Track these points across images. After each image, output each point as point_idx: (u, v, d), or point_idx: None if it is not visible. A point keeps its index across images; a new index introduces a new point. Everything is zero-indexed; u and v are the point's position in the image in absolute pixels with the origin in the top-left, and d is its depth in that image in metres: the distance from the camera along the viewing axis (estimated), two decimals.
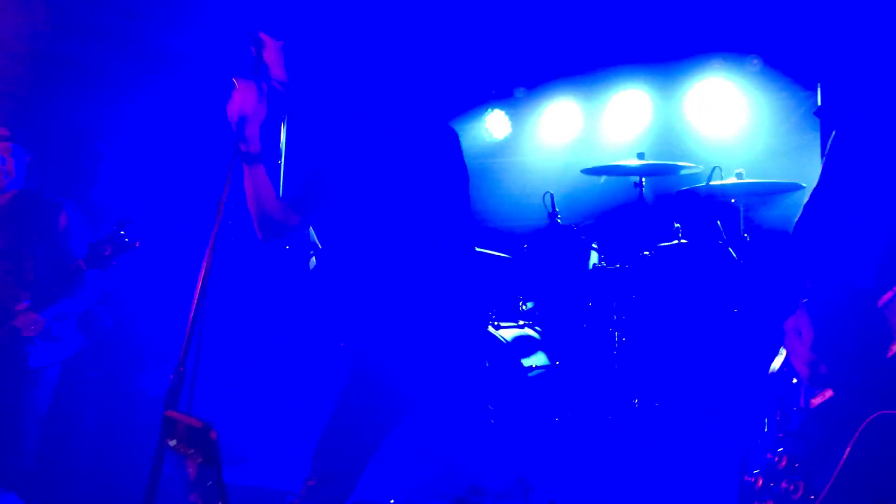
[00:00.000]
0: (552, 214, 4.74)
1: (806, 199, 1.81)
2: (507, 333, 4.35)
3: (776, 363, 1.88)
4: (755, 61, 5.51)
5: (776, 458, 1.72)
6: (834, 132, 1.63)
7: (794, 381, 1.79)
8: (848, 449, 1.54)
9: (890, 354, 1.53)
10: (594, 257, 4.62)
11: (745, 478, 1.81)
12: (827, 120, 1.71)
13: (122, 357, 4.72)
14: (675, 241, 4.45)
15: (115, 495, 4.24)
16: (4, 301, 3.65)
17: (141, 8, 5.26)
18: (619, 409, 4.19)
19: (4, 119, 4.14)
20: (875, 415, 1.51)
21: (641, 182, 4.74)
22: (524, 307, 4.71)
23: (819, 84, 4.42)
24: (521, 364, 4.20)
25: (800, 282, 1.75)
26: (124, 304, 4.88)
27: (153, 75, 5.50)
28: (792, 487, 1.64)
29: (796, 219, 1.84)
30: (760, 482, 1.74)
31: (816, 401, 1.71)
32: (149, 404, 4.43)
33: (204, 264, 1.82)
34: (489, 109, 6.54)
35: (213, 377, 5.37)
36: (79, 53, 5.23)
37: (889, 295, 1.55)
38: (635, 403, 4.18)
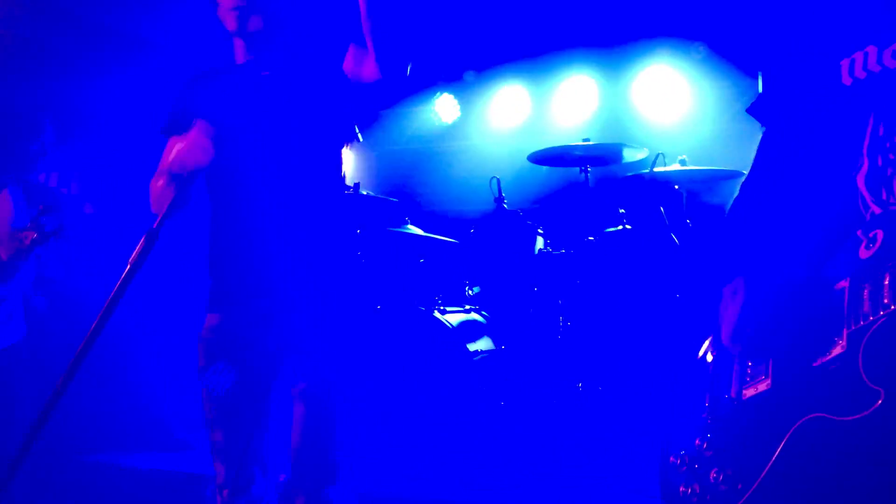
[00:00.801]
0: (499, 199, 4.76)
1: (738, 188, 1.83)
2: (453, 318, 4.36)
3: (705, 345, 1.90)
4: (700, 48, 5.57)
5: (703, 445, 1.75)
6: (764, 128, 1.65)
7: (726, 367, 1.81)
8: (779, 448, 1.55)
9: (828, 358, 1.52)
10: (540, 242, 4.64)
11: (670, 458, 1.83)
12: (759, 115, 1.73)
13: (59, 344, 4.63)
14: (620, 227, 4.50)
15: (49, 485, 4.17)
16: None
17: None
18: (563, 393, 4.24)
19: None
20: (807, 417, 1.52)
21: (587, 168, 4.77)
22: (470, 292, 4.73)
23: (760, 74, 4.49)
24: (467, 349, 4.21)
25: (733, 265, 1.76)
26: (65, 289, 4.79)
27: (123, 64, 5.39)
28: (721, 478, 1.66)
29: (730, 205, 1.86)
30: (685, 466, 1.76)
31: (749, 392, 1.72)
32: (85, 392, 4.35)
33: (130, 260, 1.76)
34: (438, 93, 6.52)
35: (169, 363, 5.32)
36: (44, 37, 5.10)
37: (839, 287, 1.55)
38: (579, 387, 4.23)
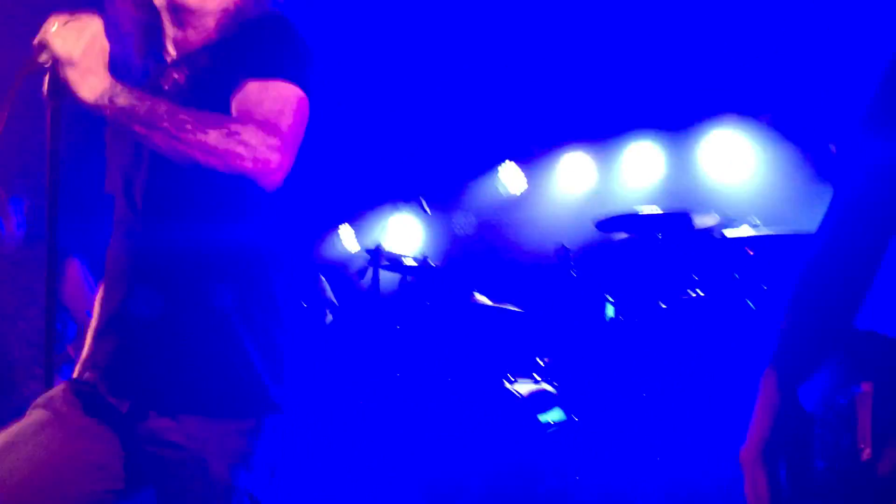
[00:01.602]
0: (566, 267, 4.73)
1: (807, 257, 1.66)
2: (524, 388, 4.31)
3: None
4: (766, 117, 5.53)
5: None
6: (833, 192, 1.58)
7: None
8: None
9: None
10: (610, 310, 4.58)
11: None
12: (832, 177, 1.65)
13: None
14: (692, 293, 4.42)
15: None
16: None
17: None
18: (641, 466, 4.12)
19: None
20: None
21: (656, 234, 4.72)
22: (540, 362, 4.68)
23: (830, 141, 4.42)
24: (538, 420, 4.15)
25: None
26: None
27: None
28: None
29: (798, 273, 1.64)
30: None
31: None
32: None
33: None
34: (503, 164, 6.58)
35: None
36: None
37: None
38: (657, 460, 4.10)
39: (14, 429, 1.81)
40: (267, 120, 1.71)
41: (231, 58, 1.83)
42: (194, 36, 1.95)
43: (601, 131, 6.17)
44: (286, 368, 1.91)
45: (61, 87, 1.67)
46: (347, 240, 7.49)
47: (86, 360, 1.94)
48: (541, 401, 4.34)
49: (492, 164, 6.63)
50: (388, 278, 5.44)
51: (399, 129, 6.60)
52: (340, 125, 6.63)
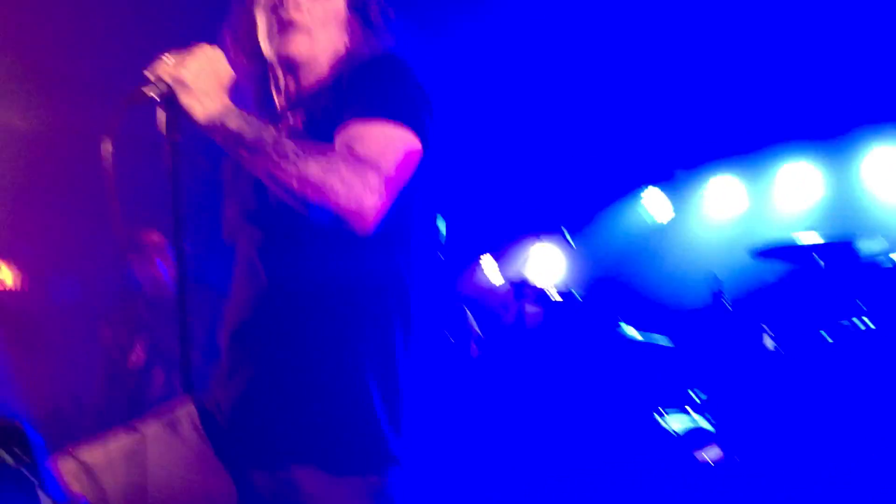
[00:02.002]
0: (718, 295, 4.54)
1: None
2: (678, 425, 4.15)
3: None
4: None
5: None
6: None
7: None
8: None
9: None
10: (767, 341, 4.35)
11: None
12: None
13: None
14: (858, 324, 4.13)
15: None
16: None
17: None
18: None
19: None
20: None
21: (816, 258, 4.46)
22: (694, 396, 4.49)
23: None
24: (695, 458, 3.97)
25: None
26: None
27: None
28: None
29: None
30: None
31: None
32: None
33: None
34: (646, 190, 6.43)
35: None
36: None
37: None
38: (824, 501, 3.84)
39: (140, 438, 1.81)
40: (368, 157, 1.66)
41: (342, 100, 1.80)
42: (307, 82, 1.96)
43: (751, 151, 5.92)
44: (404, 417, 1.84)
45: (176, 119, 1.72)
46: (490, 271, 7.50)
47: (212, 400, 1.90)
48: (697, 438, 4.17)
49: (635, 190, 6.49)
50: (532, 310, 5.40)
51: (541, 159, 6.58)
52: (482, 156, 6.68)
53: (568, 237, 5.16)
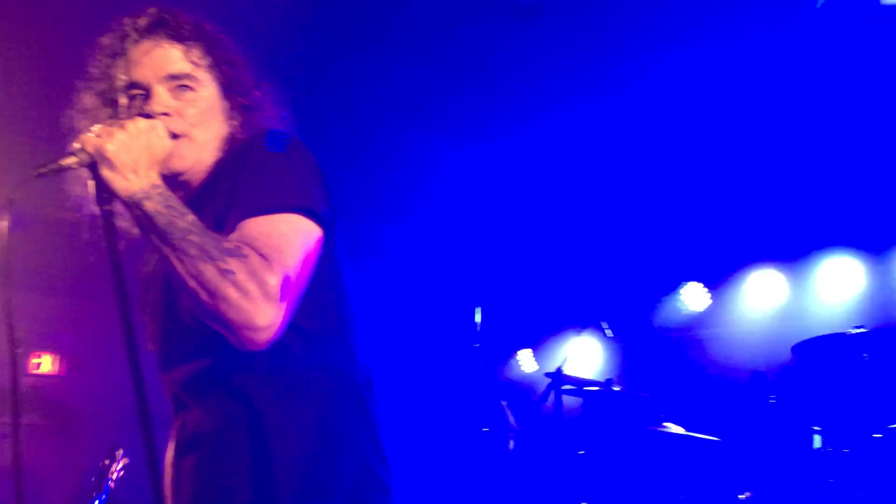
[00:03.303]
0: (763, 392, 4.44)
1: None
2: None
3: None
4: None
5: None
6: None
7: None
8: None
9: None
10: (817, 440, 4.23)
11: None
12: None
13: None
14: None
15: None
16: None
17: None
18: None
19: None
20: None
21: (864, 356, 4.36)
22: (741, 497, 4.34)
23: None
24: None
25: None
26: None
27: None
28: None
29: None
30: None
31: None
32: None
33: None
34: (686, 286, 6.39)
35: None
36: None
37: None
38: None
39: None
40: (268, 256, 1.55)
41: (230, 198, 1.69)
42: (195, 184, 1.86)
43: (792, 247, 5.88)
44: None
45: (104, 190, 1.61)
46: (527, 363, 7.44)
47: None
48: None
49: (675, 284, 6.45)
50: (570, 402, 5.32)
51: (576, 253, 6.60)
52: (520, 248, 6.72)
53: (606, 329, 5.12)
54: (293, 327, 1.63)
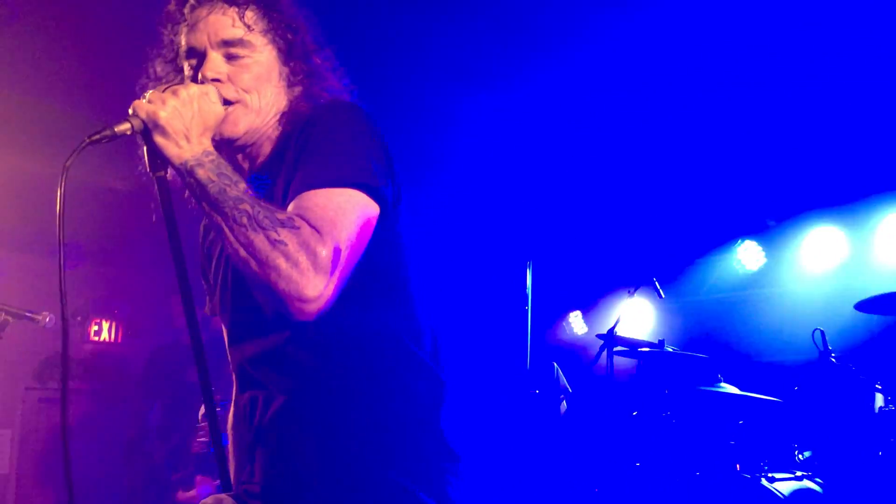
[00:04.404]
0: (824, 353, 4.32)
1: None
2: (784, 487, 3.94)
3: None
4: None
5: None
6: None
7: None
8: None
9: None
10: (879, 399, 4.12)
11: None
12: None
13: None
14: None
15: None
16: None
17: None
18: None
19: None
20: None
21: None
22: (800, 456, 4.27)
23: None
24: None
25: None
26: None
27: None
28: None
29: None
30: None
31: None
32: None
33: None
34: (740, 241, 6.25)
35: None
36: None
37: None
38: None
39: None
40: (321, 229, 1.55)
41: (292, 169, 1.69)
42: (257, 154, 1.86)
43: (852, 204, 5.70)
44: (449, 481, 1.77)
45: (157, 157, 1.61)
46: (577, 325, 7.39)
47: (241, 481, 1.86)
48: (804, 500, 3.95)
49: (729, 240, 6.32)
50: (622, 363, 5.26)
51: (628, 211, 6.49)
52: (572, 208, 6.64)
53: (659, 288, 5.04)
54: (355, 300, 1.64)
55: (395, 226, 1.77)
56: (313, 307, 1.53)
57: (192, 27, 1.81)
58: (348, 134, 1.71)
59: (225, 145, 1.78)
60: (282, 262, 1.50)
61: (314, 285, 1.51)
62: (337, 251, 1.54)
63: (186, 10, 1.82)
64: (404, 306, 1.80)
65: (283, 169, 1.74)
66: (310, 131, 1.71)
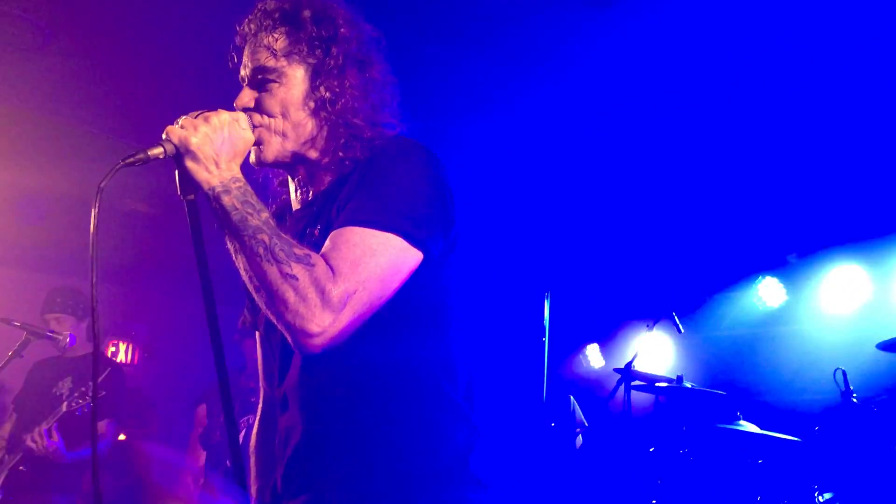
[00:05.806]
0: (846, 393, 4.27)
1: None
2: None
3: None
4: None
5: None
6: None
7: None
8: None
9: None
10: None
11: None
12: None
13: None
14: None
15: None
16: None
17: None
18: None
19: None
20: None
21: None
22: (821, 498, 4.20)
23: None
24: None
25: None
26: None
27: None
28: None
29: None
30: None
31: None
32: None
33: None
34: (760, 277, 6.21)
35: None
36: None
37: None
38: None
39: None
40: (339, 269, 1.56)
41: (342, 200, 1.71)
42: (317, 180, 1.87)
43: (875, 241, 5.66)
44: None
45: (188, 182, 1.65)
46: (594, 358, 7.35)
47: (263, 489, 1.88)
48: None
49: (749, 276, 6.27)
50: (640, 398, 5.21)
51: (648, 245, 6.47)
52: (591, 240, 6.63)
53: (678, 322, 5.00)
54: (393, 339, 1.68)
55: (440, 270, 1.77)
56: (318, 342, 1.55)
57: (244, 54, 1.88)
58: (406, 176, 1.71)
59: (272, 171, 1.83)
60: (291, 296, 1.53)
61: (319, 321, 1.53)
62: (351, 291, 1.55)
63: (243, 37, 1.87)
64: (444, 349, 1.80)
65: (338, 200, 1.74)
66: (370, 166, 1.72)
